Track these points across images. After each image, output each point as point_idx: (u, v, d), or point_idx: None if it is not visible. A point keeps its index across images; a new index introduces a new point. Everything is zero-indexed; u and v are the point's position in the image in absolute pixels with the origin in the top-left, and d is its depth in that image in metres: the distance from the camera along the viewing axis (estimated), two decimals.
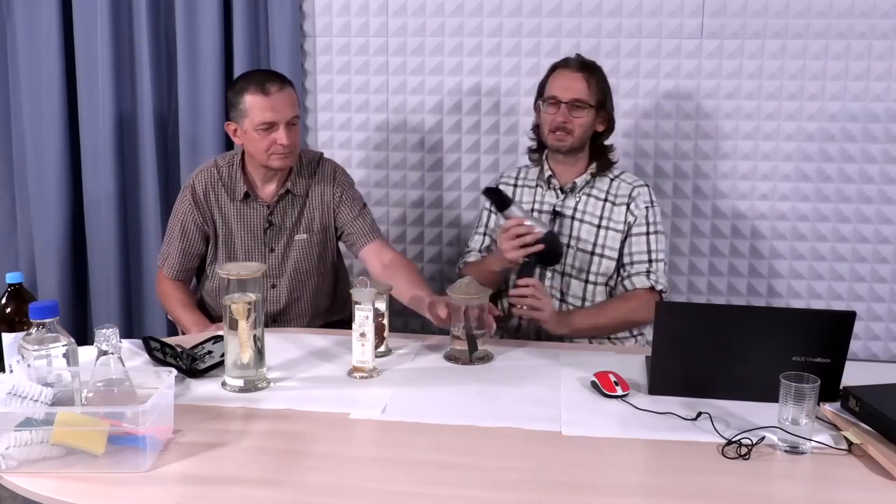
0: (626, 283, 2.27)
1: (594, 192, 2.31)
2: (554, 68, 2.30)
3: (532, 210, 2.34)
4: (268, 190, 2.30)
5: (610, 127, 2.33)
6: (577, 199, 2.31)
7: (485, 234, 2.44)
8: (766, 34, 2.63)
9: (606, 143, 2.33)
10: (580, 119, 2.24)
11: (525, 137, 2.78)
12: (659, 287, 2.25)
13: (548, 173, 2.33)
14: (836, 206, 2.69)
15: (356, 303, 1.80)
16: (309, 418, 1.63)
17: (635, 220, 2.27)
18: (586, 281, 2.29)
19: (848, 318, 1.65)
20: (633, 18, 2.67)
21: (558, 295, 2.31)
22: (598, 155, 2.32)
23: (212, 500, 1.34)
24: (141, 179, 2.91)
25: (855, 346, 2.71)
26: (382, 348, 1.95)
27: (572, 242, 2.29)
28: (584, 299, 2.30)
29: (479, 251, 2.42)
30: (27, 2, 2.83)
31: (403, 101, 2.83)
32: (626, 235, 2.28)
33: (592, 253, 2.28)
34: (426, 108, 2.82)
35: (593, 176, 2.31)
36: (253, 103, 2.15)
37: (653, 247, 2.28)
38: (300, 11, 2.79)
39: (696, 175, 2.74)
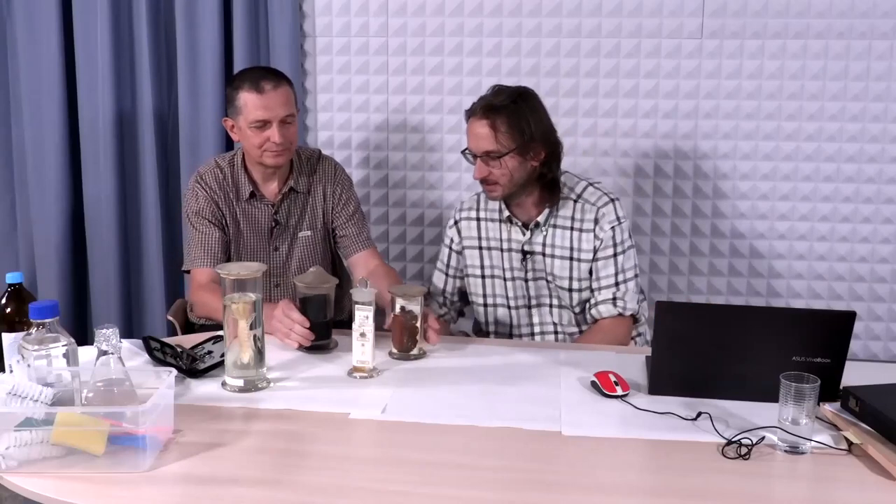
0: (594, 311, 2.18)
1: (559, 221, 2.18)
2: (467, 115, 2.14)
3: (501, 249, 2.23)
4: (270, 188, 2.32)
5: (550, 157, 2.14)
6: (544, 232, 2.19)
7: (447, 275, 2.34)
8: (766, 34, 2.63)
9: (554, 170, 2.15)
10: (499, 169, 2.09)
11: None
12: (627, 312, 2.17)
13: (506, 213, 2.21)
14: (835, 206, 2.69)
15: (356, 303, 1.80)
16: (309, 418, 1.63)
17: (601, 244, 2.16)
18: (575, 314, 2.24)
19: (848, 319, 1.65)
20: (633, 18, 2.67)
21: (550, 328, 2.26)
22: (546, 189, 2.17)
23: (212, 500, 1.34)
24: (141, 179, 2.90)
25: (855, 346, 2.71)
26: (415, 351, 1.94)
27: (549, 279, 2.22)
28: (578, 326, 2.25)
29: (444, 298, 2.34)
30: (27, 2, 2.83)
31: (403, 101, 2.83)
32: (594, 260, 2.17)
33: (570, 290, 2.20)
34: (426, 108, 2.82)
35: (552, 207, 2.18)
36: (247, 100, 2.18)
37: (620, 268, 2.17)
38: (300, 11, 2.79)
39: (696, 175, 2.74)
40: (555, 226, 2.19)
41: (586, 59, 2.71)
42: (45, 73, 2.85)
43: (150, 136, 2.85)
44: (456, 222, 2.32)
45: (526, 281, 2.24)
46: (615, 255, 2.17)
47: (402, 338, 1.94)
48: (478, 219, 2.28)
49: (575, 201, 2.19)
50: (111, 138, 2.85)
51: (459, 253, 2.31)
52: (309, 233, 2.35)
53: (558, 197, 2.18)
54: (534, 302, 2.26)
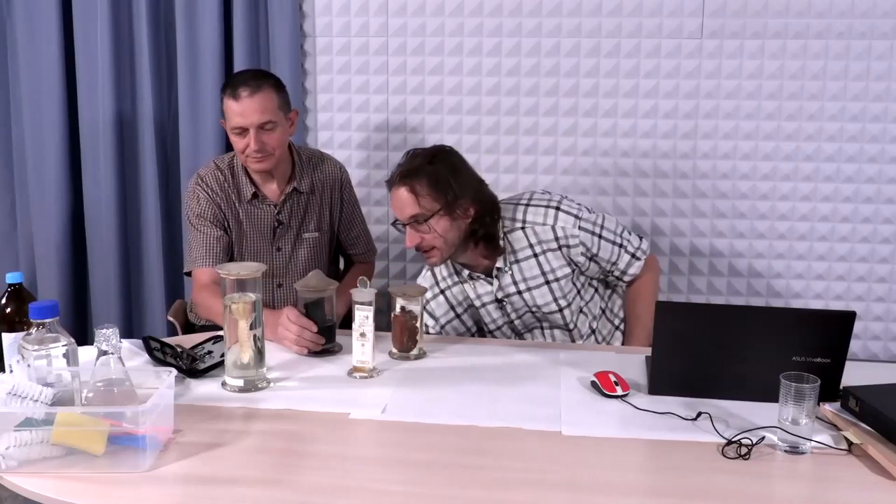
0: (626, 278, 2.22)
1: (519, 255, 2.14)
2: (388, 185, 2.09)
3: (476, 307, 2.19)
4: (270, 189, 2.32)
5: (482, 213, 2.08)
6: (509, 271, 2.15)
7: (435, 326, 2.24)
8: (766, 34, 2.63)
9: (489, 225, 2.09)
10: (430, 233, 2.03)
11: (524, 136, 2.79)
12: (647, 255, 2.22)
13: (465, 272, 2.17)
14: (835, 206, 2.69)
15: (356, 303, 1.80)
16: (309, 418, 1.63)
17: (586, 247, 2.13)
18: (570, 330, 2.23)
19: (848, 319, 1.65)
20: (633, 18, 2.67)
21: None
22: (486, 241, 2.11)
23: (212, 500, 1.34)
24: (141, 179, 2.90)
25: (855, 346, 2.71)
26: (415, 351, 1.95)
27: (534, 310, 2.19)
28: (573, 341, 2.24)
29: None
30: (27, 2, 2.83)
31: (403, 101, 2.83)
32: (589, 261, 2.15)
33: (560, 310, 2.18)
34: (426, 108, 2.82)
35: (503, 252, 2.13)
36: (227, 107, 2.21)
37: (612, 237, 2.17)
38: (300, 11, 2.79)
39: (695, 175, 2.74)
40: (517, 261, 2.15)
41: (586, 59, 2.71)
42: (45, 73, 2.85)
43: (149, 136, 2.85)
44: (424, 307, 2.16)
45: (511, 322, 2.23)
46: (600, 236, 2.15)
47: (402, 338, 1.94)
48: (442, 292, 2.22)
49: (523, 228, 2.14)
50: (111, 138, 2.85)
51: (440, 332, 2.24)
52: (316, 234, 2.36)
53: (501, 249, 2.12)
54: (523, 329, 2.26)
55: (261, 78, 2.23)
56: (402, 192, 2.03)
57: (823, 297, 2.75)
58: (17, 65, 2.89)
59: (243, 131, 2.18)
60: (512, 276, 2.16)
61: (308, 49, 2.84)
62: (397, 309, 1.94)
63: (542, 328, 2.24)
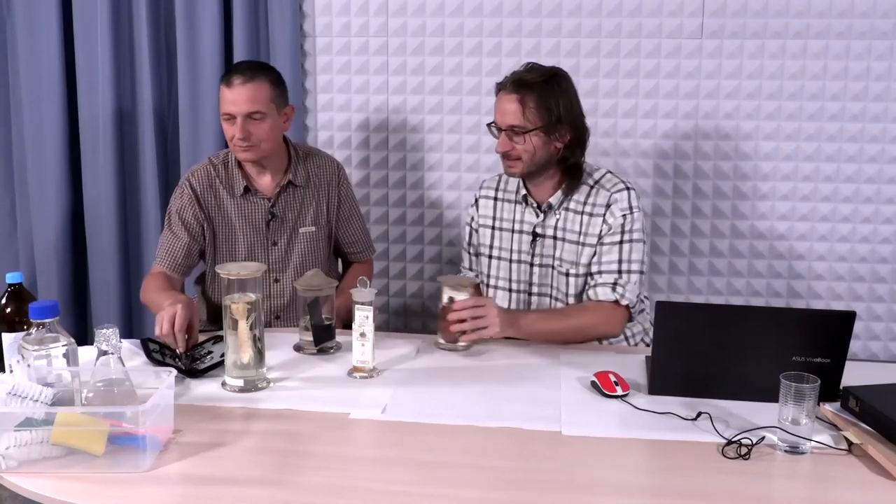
0: (591, 292, 2.11)
1: (572, 205, 2.16)
2: (497, 88, 2.14)
3: (512, 231, 2.24)
4: (264, 182, 2.32)
5: (575, 142, 2.12)
6: (557, 216, 2.17)
7: (470, 254, 2.37)
8: (766, 34, 2.63)
9: (577, 156, 2.14)
10: (522, 145, 2.08)
11: None
12: (624, 302, 2.08)
13: (523, 192, 2.21)
14: (835, 206, 2.69)
15: (356, 303, 1.80)
16: (309, 418, 1.63)
17: (609, 230, 2.10)
18: (567, 304, 2.21)
19: (848, 318, 1.65)
20: (633, 18, 2.67)
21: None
22: (567, 173, 2.16)
23: (212, 500, 1.34)
24: (141, 179, 2.91)
25: (855, 346, 2.71)
26: (464, 343, 1.97)
27: (555, 263, 2.19)
28: None
29: (474, 274, 2.35)
30: (27, 2, 2.83)
31: (403, 101, 2.83)
32: (599, 244, 2.12)
33: (571, 275, 2.17)
34: (426, 108, 2.82)
35: (568, 190, 2.16)
36: (221, 93, 2.23)
37: (625, 256, 2.10)
38: (300, 11, 2.79)
39: (695, 175, 2.74)
40: (567, 209, 2.18)
41: (586, 59, 2.71)
42: (45, 73, 2.85)
43: (150, 136, 2.85)
44: (476, 200, 2.34)
45: (531, 265, 2.23)
46: (621, 242, 2.11)
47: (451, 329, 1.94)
48: (495, 199, 2.30)
49: (591, 186, 2.16)
50: (111, 139, 2.85)
51: (476, 231, 2.33)
52: (313, 229, 2.36)
53: (578, 182, 2.17)
54: (535, 290, 2.25)
55: (258, 69, 2.25)
56: (510, 101, 2.08)
57: (823, 297, 2.75)
58: (17, 65, 2.90)
59: (231, 118, 2.20)
60: (557, 221, 2.18)
61: (308, 49, 2.84)
62: (445, 299, 1.93)
63: (550, 296, 2.22)
